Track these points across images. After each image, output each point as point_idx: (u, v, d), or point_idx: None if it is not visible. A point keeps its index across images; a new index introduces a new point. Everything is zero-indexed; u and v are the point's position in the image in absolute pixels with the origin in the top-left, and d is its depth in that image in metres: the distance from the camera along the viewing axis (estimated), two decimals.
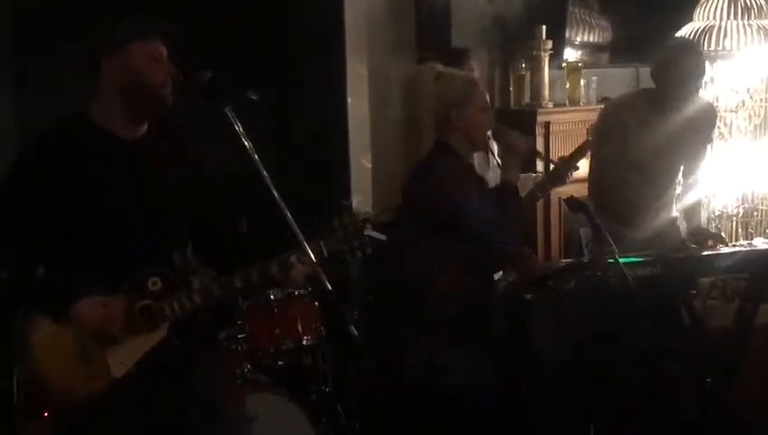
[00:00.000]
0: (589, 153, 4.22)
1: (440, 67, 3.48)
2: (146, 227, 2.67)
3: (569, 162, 4.03)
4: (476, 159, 3.76)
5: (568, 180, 3.95)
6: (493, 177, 4.22)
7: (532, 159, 3.60)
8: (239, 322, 3.93)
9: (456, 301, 3.26)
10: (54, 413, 2.62)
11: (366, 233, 2.67)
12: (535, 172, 4.71)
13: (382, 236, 2.70)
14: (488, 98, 3.42)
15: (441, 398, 3.30)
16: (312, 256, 2.57)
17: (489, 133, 3.89)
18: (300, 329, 4.10)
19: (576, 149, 4.20)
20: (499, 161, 4.13)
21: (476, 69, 4.20)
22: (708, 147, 4.47)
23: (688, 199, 4.43)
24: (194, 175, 2.74)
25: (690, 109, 4.20)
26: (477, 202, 3.25)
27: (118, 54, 2.64)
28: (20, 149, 2.74)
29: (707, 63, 4.48)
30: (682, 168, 4.37)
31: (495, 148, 4.29)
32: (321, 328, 4.16)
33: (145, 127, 2.75)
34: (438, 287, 3.27)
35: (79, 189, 2.62)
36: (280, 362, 4.09)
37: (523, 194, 4.07)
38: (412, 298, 3.36)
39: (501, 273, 3.94)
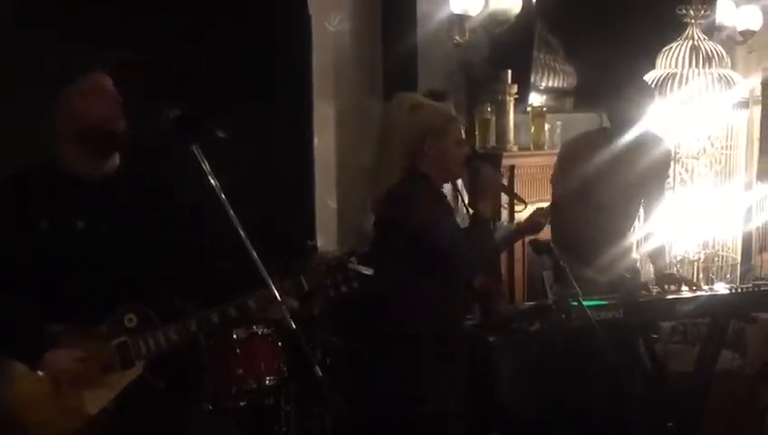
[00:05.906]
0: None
1: (420, 98, 3.43)
2: (120, 264, 2.64)
3: (546, 214, 4.07)
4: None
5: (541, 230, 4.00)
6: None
7: (500, 194, 3.57)
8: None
9: (428, 322, 3.23)
10: None
11: (350, 267, 2.64)
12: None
13: (368, 270, 2.65)
14: (463, 131, 3.41)
15: (414, 426, 3.24)
16: (277, 293, 2.53)
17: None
18: (263, 369, 4.07)
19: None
20: (465, 197, 4.16)
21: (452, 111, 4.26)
22: (665, 187, 4.49)
23: (651, 244, 4.46)
24: (171, 208, 2.69)
25: (647, 147, 4.25)
26: (448, 228, 3.22)
27: (57, 99, 2.63)
28: None
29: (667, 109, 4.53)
30: (641, 209, 4.40)
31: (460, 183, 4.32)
32: (284, 368, 4.13)
33: (113, 160, 2.72)
34: (411, 309, 3.23)
35: (45, 234, 2.59)
36: (242, 403, 4.05)
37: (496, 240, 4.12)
38: (385, 321, 3.31)
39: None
